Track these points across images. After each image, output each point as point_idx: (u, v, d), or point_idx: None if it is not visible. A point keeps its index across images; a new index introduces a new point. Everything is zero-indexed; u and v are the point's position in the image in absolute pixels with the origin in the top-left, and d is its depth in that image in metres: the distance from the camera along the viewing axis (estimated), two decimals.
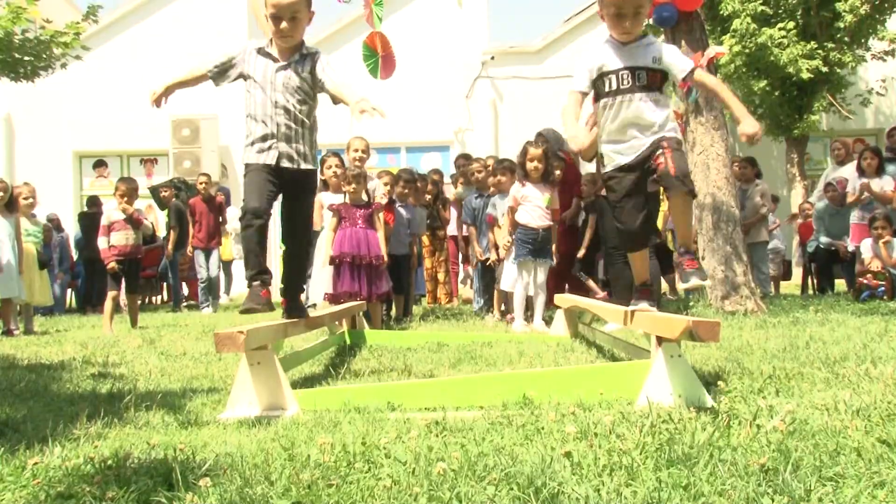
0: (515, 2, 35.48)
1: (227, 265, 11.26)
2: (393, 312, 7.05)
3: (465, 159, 8.30)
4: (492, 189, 6.70)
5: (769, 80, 11.91)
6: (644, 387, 2.59)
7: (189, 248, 9.89)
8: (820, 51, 11.68)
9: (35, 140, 13.83)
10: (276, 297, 3.70)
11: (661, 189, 3.29)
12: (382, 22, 7.20)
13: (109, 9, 13.40)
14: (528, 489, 1.61)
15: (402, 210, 6.96)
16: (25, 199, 7.57)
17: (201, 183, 9.92)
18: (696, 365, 3.18)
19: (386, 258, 5.90)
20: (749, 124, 3.14)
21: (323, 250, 6.01)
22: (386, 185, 6.70)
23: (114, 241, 6.84)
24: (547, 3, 37.15)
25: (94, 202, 10.90)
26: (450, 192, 9.09)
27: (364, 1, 7.14)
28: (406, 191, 7.09)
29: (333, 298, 5.64)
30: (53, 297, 8.94)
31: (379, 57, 7.15)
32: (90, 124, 13.74)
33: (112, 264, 6.78)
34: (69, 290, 11.13)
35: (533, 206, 5.82)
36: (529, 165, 5.78)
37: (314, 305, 6.19)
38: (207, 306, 9.52)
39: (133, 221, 6.96)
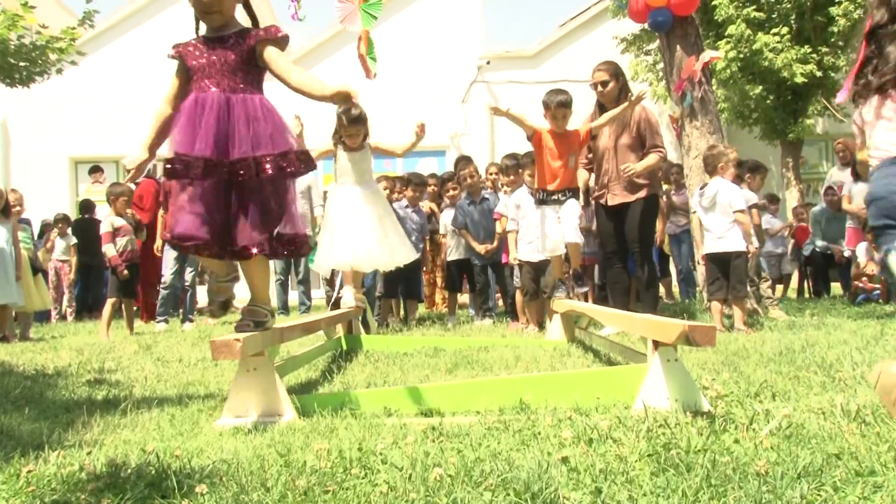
0: (511, 6, 35.56)
1: None
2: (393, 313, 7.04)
3: (465, 161, 8.19)
4: (504, 189, 6.68)
5: (764, 84, 11.96)
6: (641, 391, 2.59)
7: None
8: (814, 55, 11.75)
9: (31, 145, 13.80)
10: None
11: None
12: (375, 26, 7.17)
13: (105, 14, 13.39)
14: (525, 494, 1.61)
15: (414, 215, 6.91)
16: (12, 206, 7.57)
17: None
18: (692, 369, 3.18)
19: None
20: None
21: (330, 214, 5.43)
22: (385, 189, 6.69)
23: (119, 246, 6.84)
24: (542, 8, 37.25)
25: (87, 206, 10.85)
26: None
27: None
28: (416, 194, 7.06)
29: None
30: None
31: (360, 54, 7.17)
32: (86, 129, 13.71)
33: (125, 271, 6.77)
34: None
35: None
36: None
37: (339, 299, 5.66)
38: (164, 321, 7.36)
39: (137, 225, 6.98)
